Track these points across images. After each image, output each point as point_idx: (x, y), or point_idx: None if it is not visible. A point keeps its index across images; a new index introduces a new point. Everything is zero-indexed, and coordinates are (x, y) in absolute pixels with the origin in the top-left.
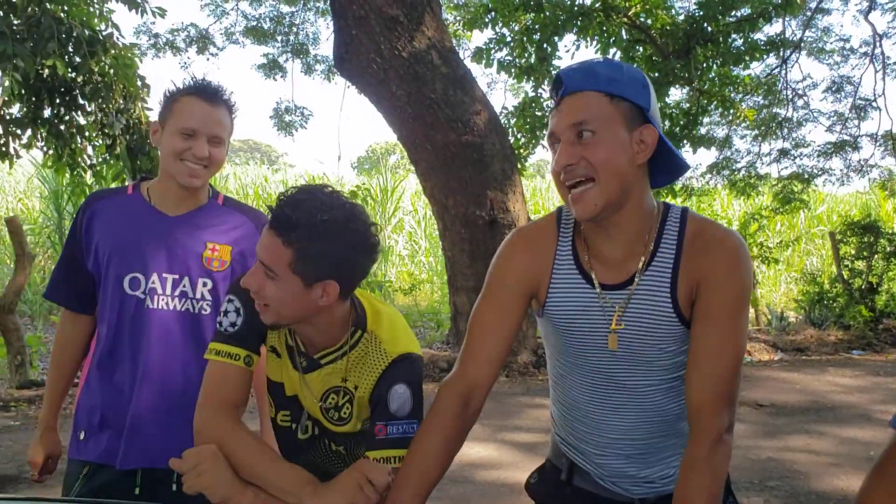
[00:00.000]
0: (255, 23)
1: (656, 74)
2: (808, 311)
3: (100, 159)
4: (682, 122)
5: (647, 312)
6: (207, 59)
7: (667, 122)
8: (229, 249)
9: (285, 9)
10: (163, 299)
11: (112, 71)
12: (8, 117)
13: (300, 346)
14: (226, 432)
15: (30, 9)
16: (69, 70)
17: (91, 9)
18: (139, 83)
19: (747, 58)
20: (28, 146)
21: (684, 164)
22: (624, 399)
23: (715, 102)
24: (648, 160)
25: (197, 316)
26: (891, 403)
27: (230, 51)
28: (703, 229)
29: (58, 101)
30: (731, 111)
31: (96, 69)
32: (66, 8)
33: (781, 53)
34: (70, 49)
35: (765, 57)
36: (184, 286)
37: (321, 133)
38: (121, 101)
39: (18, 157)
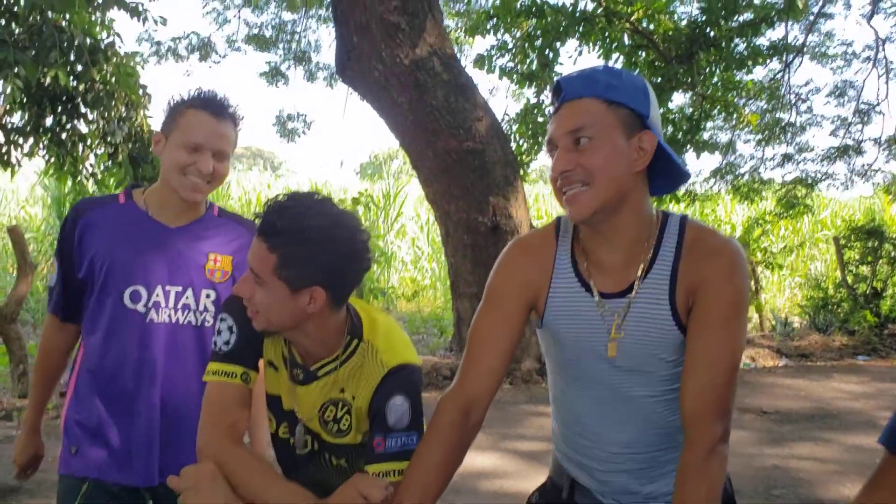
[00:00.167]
0: (257, 30)
1: (659, 80)
2: (813, 316)
3: (101, 168)
4: (684, 128)
5: (646, 320)
6: (209, 67)
7: (669, 128)
8: (230, 260)
9: (287, 16)
10: (166, 312)
11: (114, 79)
12: (9, 126)
13: (296, 358)
14: (226, 452)
15: (31, 17)
16: (71, 79)
17: (93, 17)
18: (141, 91)
19: (750, 62)
20: (30, 155)
21: (685, 172)
22: (624, 411)
23: (718, 107)
24: (649, 167)
25: (200, 328)
26: None
27: (232, 58)
28: (702, 237)
29: (59, 109)
30: (735, 116)
31: (98, 77)
32: (67, 16)
33: (784, 58)
34: (72, 58)
35: (768, 62)
36: (187, 298)
37: (324, 139)
38: (122, 110)
39: (20, 165)
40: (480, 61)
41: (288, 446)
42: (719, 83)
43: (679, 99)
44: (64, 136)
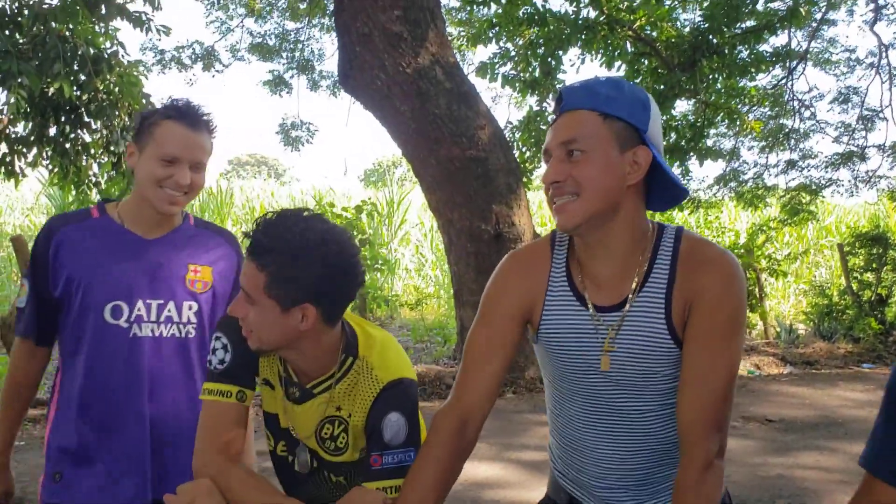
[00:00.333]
0: (260, 39)
1: (662, 87)
2: (818, 323)
3: (105, 177)
4: (688, 135)
5: (640, 334)
6: (213, 76)
7: (673, 135)
8: (210, 270)
9: (290, 25)
10: (149, 326)
11: (117, 89)
12: (13, 136)
13: (292, 377)
14: (223, 472)
15: (35, 28)
16: (74, 89)
17: (97, 28)
18: (144, 101)
19: (753, 69)
20: (34, 164)
21: (682, 190)
22: (621, 426)
23: (721, 114)
24: (648, 182)
25: (184, 340)
26: None
27: (235, 67)
28: (697, 249)
29: (63, 119)
30: (738, 123)
31: (101, 87)
32: (71, 26)
33: (788, 64)
34: (75, 68)
35: (771, 68)
36: (169, 311)
37: (328, 147)
38: (126, 119)
39: (24, 175)
40: (483, 69)
41: (287, 464)
42: (722, 90)
43: (682, 106)
44: (67, 145)
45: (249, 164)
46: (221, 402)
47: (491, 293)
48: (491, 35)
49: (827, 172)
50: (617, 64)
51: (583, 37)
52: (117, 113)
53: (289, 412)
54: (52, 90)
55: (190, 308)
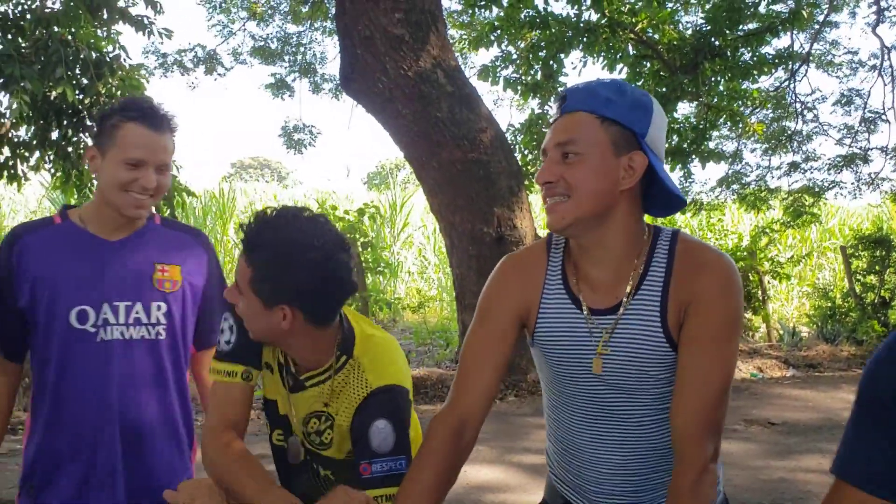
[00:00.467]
0: (262, 43)
1: (664, 90)
2: (821, 326)
3: None
4: (690, 137)
5: (635, 337)
6: (215, 80)
7: (675, 137)
8: (179, 269)
9: (292, 29)
10: (117, 329)
11: (119, 93)
12: (16, 139)
13: (290, 365)
14: (221, 452)
15: (37, 32)
16: (76, 92)
17: (99, 31)
18: None
19: (755, 72)
20: (36, 168)
21: (679, 198)
22: (616, 430)
23: (723, 117)
24: (647, 187)
25: (154, 342)
26: None
27: (237, 70)
28: (693, 252)
29: (65, 122)
30: (740, 125)
31: (103, 91)
32: (73, 30)
33: (790, 66)
34: (77, 71)
35: (773, 71)
36: (137, 312)
37: (331, 149)
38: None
39: (27, 179)
40: (485, 72)
41: (282, 453)
42: (725, 93)
43: (684, 108)
44: (70, 149)
45: (252, 167)
46: (227, 383)
47: (487, 296)
48: (493, 38)
49: (830, 175)
50: (619, 67)
51: (584, 40)
52: None
53: (285, 399)
54: (54, 94)
55: (159, 308)
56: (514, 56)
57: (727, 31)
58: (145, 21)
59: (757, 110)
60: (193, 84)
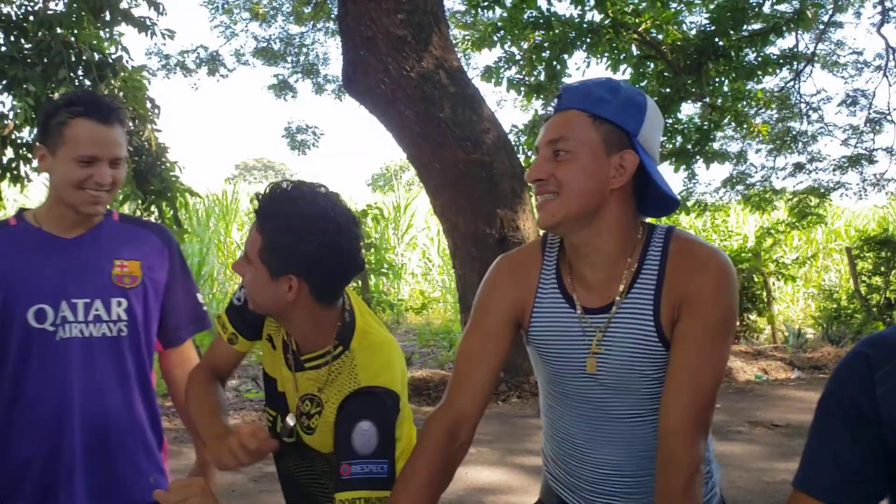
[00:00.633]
0: (264, 44)
1: (667, 90)
2: (826, 327)
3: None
4: (694, 138)
5: (628, 336)
6: (218, 81)
7: (679, 138)
8: (139, 265)
9: (295, 29)
10: (76, 327)
11: (122, 94)
12: (19, 141)
13: (291, 344)
14: (192, 384)
15: (40, 33)
16: (112, 101)
17: (101, 33)
18: (149, 105)
19: (760, 72)
20: (38, 169)
21: (671, 198)
22: (612, 431)
23: (728, 117)
24: (642, 187)
25: (116, 339)
26: None
27: (240, 71)
28: (687, 249)
29: None
30: (745, 126)
31: (106, 92)
32: (75, 32)
33: (795, 67)
34: (80, 73)
35: (777, 71)
36: (97, 309)
37: (334, 150)
38: (130, 124)
39: (30, 180)
40: (488, 74)
41: (275, 431)
42: (729, 93)
43: (689, 109)
44: None
45: (256, 168)
46: (219, 334)
47: (481, 296)
48: (496, 39)
49: (835, 175)
50: (622, 67)
51: (588, 40)
52: None
53: (285, 377)
54: (57, 95)
55: (119, 305)
56: (518, 57)
57: (731, 32)
58: (148, 22)
59: (761, 111)
60: (196, 85)
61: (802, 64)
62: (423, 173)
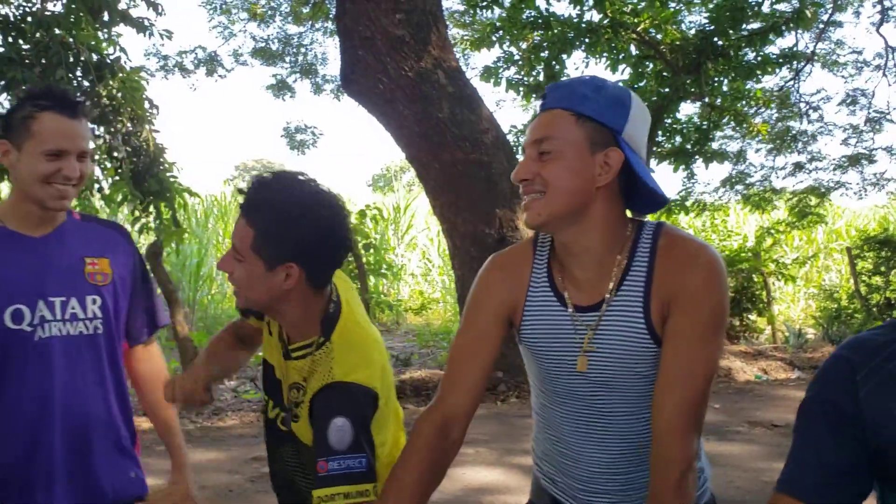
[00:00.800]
0: (263, 44)
1: (667, 90)
2: (826, 328)
3: (109, 182)
4: (694, 138)
5: (618, 333)
6: (216, 81)
7: (678, 138)
8: (108, 262)
9: (293, 29)
10: (55, 326)
11: (120, 94)
12: None
13: (283, 334)
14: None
15: (38, 34)
16: (77, 95)
17: (100, 34)
18: (147, 105)
19: (759, 72)
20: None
21: (658, 193)
22: (603, 429)
23: (727, 117)
24: (629, 184)
25: (93, 337)
26: None
27: (238, 71)
28: (676, 245)
29: None
30: (744, 126)
31: (104, 93)
32: (73, 33)
33: (794, 66)
34: (78, 73)
35: (777, 71)
36: (73, 307)
37: (333, 150)
38: (128, 125)
39: None
40: (487, 73)
41: (268, 418)
42: (728, 93)
43: (688, 109)
44: None
45: (255, 169)
46: None
47: (473, 295)
48: (494, 39)
49: (835, 175)
50: (621, 67)
51: (586, 40)
52: (120, 118)
53: (279, 365)
54: None
55: (94, 302)
56: (516, 57)
57: (730, 31)
58: (146, 23)
59: (761, 110)
60: (194, 86)
61: (802, 63)
62: (422, 173)
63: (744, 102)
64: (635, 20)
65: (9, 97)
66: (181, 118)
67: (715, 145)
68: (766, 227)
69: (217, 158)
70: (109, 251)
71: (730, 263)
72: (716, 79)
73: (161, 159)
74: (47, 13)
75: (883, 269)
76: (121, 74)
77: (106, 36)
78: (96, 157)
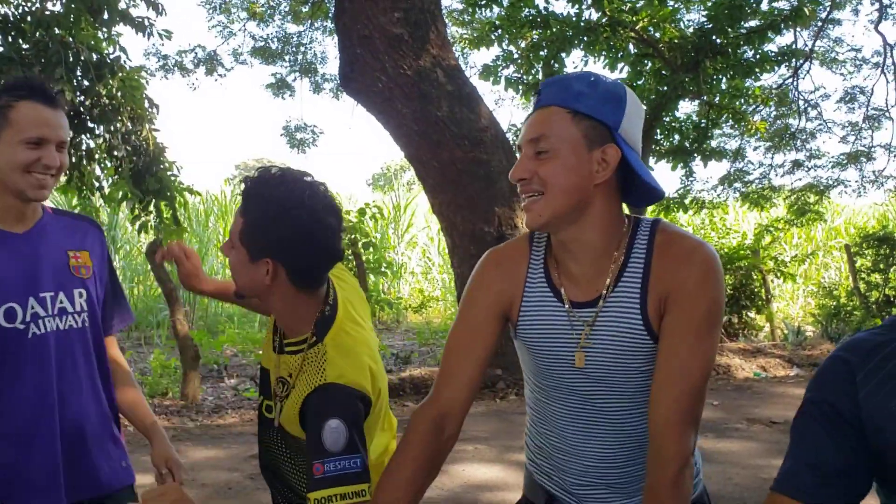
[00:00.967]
0: (262, 43)
1: (665, 88)
2: (825, 325)
3: (109, 181)
4: (692, 136)
5: (615, 329)
6: (216, 80)
7: (676, 136)
8: (88, 254)
9: (292, 28)
10: (47, 321)
11: (120, 94)
12: None
13: (277, 325)
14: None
15: (37, 34)
16: (77, 94)
17: (99, 33)
18: (147, 104)
19: (758, 69)
20: None
21: (655, 188)
22: (599, 423)
23: (726, 115)
24: (625, 178)
25: (82, 330)
26: None
27: (238, 71)
28: (673, 241)
29: None
30: (743, 123)
31: (104, 92)
32: (73, 32)
33: (793, 64)
34: (78, 73)
35: (775, 68)
36: (62, 302)
37: (333, 149)
38: (128, 124)
39: None
40: (486, 72)
41: (259, 405)
42: (727, 90)
43: (686, 107)
44: (71, 150)
45: (255, 168)
46: None
47: (470, 289)
48: (493, 37)
49: (834, 172)
50: (620, 66)
51: (585, 39)
52: (120, 118)
53: (271, 359)
54: None
55: (80, 295)
56: (516, 55)
57: (729, 29)
58: (145, 22)
59: (759, 108)
60: (194, 85)
61: (800, 61)
62: (421, 172)
63: (742, 100)
64: (634, 18)
65: None
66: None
67: (713, 143)
68: (765, 224)
69: (217, 158)
70: (88, 244)
71: (729, 261)
72: (714, 77)
73: (161, 158)
74: (47, 13)
75: (882, 266)
76: (120, 74)
77: (105, 35)
78: (96, 156)
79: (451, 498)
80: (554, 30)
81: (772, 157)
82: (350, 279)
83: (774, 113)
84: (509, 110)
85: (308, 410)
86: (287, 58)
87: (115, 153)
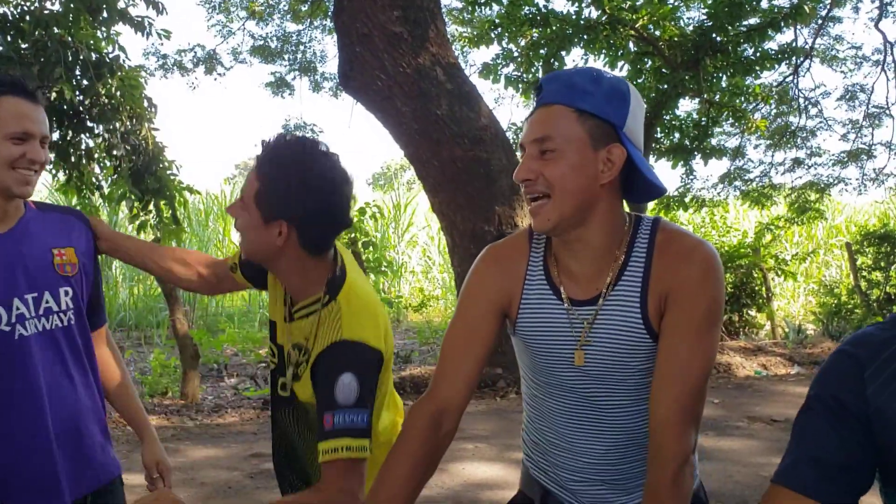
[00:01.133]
0: (261, 42)
1: (665, 86)
2: (826, 323)
3: (108, 180)
4: (692, 134)
5: (615, 328)
6: (215, 79)
7: (677, 134)
8: (73, 250)
9: (292, 27)
10: (33, 322)
11: (119, 93)
12: None
13: (287, 295)
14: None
15: (37, 33)
16: (76, 93)
17: (98, 33)
18: (146, 103)
19: (758, 67)
20: None
21: (658, 186)
22: (598, 420)
23: (726, 113)
24: (627, 176)
25: (68, 329)
26: None
27: (237, 70)
28: (674, 240)
29: (65, 124)
30: (743, 122)
31: (103, 92)
32: (72, 31)
33: (793, 62)
34: (77, 72)
35: (776, 66)
36: (47, 302)
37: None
38: (128, 123)
39: None
40: (486, 71)
41: (273, 380)
42: (727, 88)
43: (686, 105)
44: (70, 150)
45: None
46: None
47: (468, 286)
48: (493, 36)
49: (834, 170)
50: (620, 64)
51: (585, 37)
52: (119, 117)
53: (282, 328)
54: (53, 95)
55: (66, 294)
56: (515, 54)
57: (729, 27)
58: (145, 22)
59: (760, 106)
60: (194, 84)
61: (801, 59)
62: (421, 170)
63: (742, 98)
64: (633, 17)
65: None
66: (180, 117)
67: (714, 141)
68: (766, 222)
69: (216, 157)
70: (74, 240)
71: (729, 259)
72: (714, 75)
73: (160, 157)
74: (46, 12)
75: (883, 264)
76: (119, 73)
77: (105, 35)
78: (95, 155)
79: (451, 496)
80: (554, 28)
81: (772, 156)
82: (348, 256)
83: (775, 111)
84: (509, 109)
85: (321, 364)
86: (286, 57)
87: (115, 152)
